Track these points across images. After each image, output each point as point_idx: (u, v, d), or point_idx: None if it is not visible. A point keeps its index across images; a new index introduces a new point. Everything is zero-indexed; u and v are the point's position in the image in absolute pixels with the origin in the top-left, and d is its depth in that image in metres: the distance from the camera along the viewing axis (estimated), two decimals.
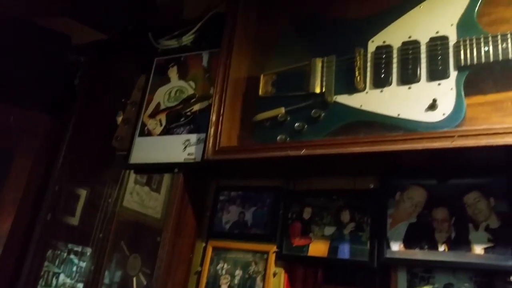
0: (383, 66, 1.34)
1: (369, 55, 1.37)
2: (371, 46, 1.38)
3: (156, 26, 1.93)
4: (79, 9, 1.71)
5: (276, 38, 1.64)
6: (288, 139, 1.43)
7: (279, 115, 1.47)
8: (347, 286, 1.39)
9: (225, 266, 1.56)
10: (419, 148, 1.12)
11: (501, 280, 1.13)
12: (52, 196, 2.12)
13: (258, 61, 1.66)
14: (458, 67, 1.21)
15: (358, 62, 1.37)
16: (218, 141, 1.47)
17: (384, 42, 1.37)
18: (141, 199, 2.16)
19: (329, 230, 1.40)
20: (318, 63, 1.46)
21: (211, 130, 1.49)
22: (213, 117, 1.51)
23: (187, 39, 1.80)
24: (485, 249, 1.15)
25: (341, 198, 1.41)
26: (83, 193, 2.33)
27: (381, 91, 1.32)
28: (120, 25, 1.85)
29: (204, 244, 1.61)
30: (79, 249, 2.15)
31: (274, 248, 1.47)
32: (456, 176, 1.25)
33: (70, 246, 2.17)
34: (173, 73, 1.74)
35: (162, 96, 1.73)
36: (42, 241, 2.08)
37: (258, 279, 1.47)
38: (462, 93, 1.19)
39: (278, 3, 1.70)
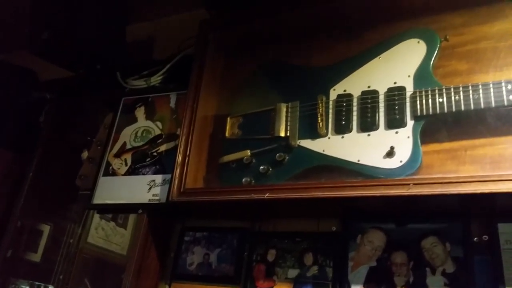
0: (343, 113, 1.36)
1: (330, 103, 1.40)
2: (333, 94, 1.41)
3: (125, 65, 1.92)
4: (44, 47, 1.67)
5: (244, 81, 1.66)
6: (253, 181, 1.42)
7: (245, 158, 1.46)
8: None
9: None
10: (376, 195, 1.13)
11: None
12: (14, 232, 2.02)
13: (226, 103, 1.67)
14: (415, 117, 1.25)
15: (321, 109, 1.40)
16: (183, 182, 1.45)
17: (345, 90, 1.40)
18: (106, 234, 2.08)
19: (293, 273, 1.38)
20: (283, 108, 1.47)
21: (177, 172, 1.46)
22: (179, 158, 1.48)
23: (155, 79, 1.79)
24: None
25: (304, 240, 1.40)
26: (46, 228, 2.24)
27: (342, 137, 1.34)
28: (87, 64, 1.82)
29: (167, 287, 1.55)
30: (41, 286, 2.06)
31: None
32: (414, 221, 1.27)
33: (31, 283, 2.07)
34: (140, 113, 1.72)
35: (128, 136, 1.69)
36: (2, 278, 1.97)
37: None
38: (419, 141, 1.23)
39: (245, 49, 1.72)
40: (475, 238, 1.18)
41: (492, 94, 1.16)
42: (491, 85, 1.16)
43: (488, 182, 1.07)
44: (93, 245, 2.09)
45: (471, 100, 1.18)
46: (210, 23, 1.69)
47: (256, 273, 1.43)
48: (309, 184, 1.27)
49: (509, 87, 1.15)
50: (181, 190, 1.43)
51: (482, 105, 1.16)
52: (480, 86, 1.18)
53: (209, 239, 1.56)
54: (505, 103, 1.14)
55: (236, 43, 1.74)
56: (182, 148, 1.50)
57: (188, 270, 1.54)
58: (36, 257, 2.22)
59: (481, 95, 1.17)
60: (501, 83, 1.16)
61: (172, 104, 1.68)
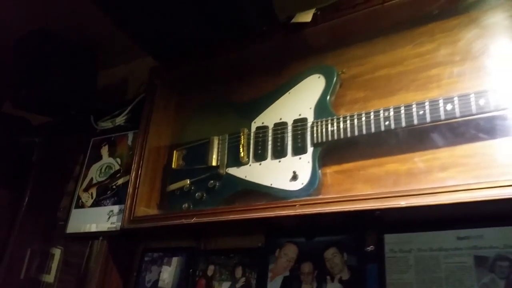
0: (260, 143, 1.53)
1: (251, 134, 1.57)
2: (253, 126, 1.59)
3: (99, 108, 2.15)
4: (23, 102, 1.93)
5: (189, 117, 1.86)
6: (191, 206, 1.61)
7: (185, 186, 1.65)
8: None
9: None
10: (272, 216, 1.29)
11: None
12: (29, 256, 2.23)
13: (176, 137, 1.86)
14: (314, 144, 1.41)
15: (243, 140, 1.57)
16: (133, 211, 1.65)
17: (262, 123, 1.57)
18: None
19: (226, 285, 1.54)
20: (215, 140, 1.65)
21: (128, 202, 1.66)
22: (130, 190, 1.69)
23: (120, 120, 2.01)
24: None
25: (236, 255, 1.56)
26: (57, 252, 2.46)
27: (260, 164, 1.51)
28: (63, 110, 2.06)
29: None
30: None
31: None
32: (320, 234, 1.41)
33: None
34: (104, 151, 1.94)
35: (94, 172, 1.92)
36: None
37: None
38: (317, 165, 1.38)
39: (190, 87, 1.92)
40: (367, 248, 1.31)
41: (372, 121, 1.30)
42: (371, 114, 1.31)
43: (369, 200, 1.20)
44: None
45: (356, 128, 1.32)
46: (158, 70, 1.90)
47: (198, 287, 1.60)
48: (226, 208, 1.44)
49: (386, 114, 1.29)
50: (131, 218, 1.63)
51: (364, 131, 1.31)
52: (363, 115, 1.32)
53: (163, 258, 1.74)
54: (382, 128, 1.28)
55: (183, 83, 1.94)
56: (132, 181, 1.70)
57: (146, 287, 1.73)
58: (50, 278, 2.46)
59: (363, 122, 1.31)
60: (379, 111, 1.30)
61: (129, 142, 1.90)
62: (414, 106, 1.23)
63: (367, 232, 1.34)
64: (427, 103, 1.21)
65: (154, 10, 1.66)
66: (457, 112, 1.17)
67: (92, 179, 1.90)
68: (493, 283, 1.10)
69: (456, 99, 1.17)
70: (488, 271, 1.12)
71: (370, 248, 1.30)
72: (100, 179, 1.88)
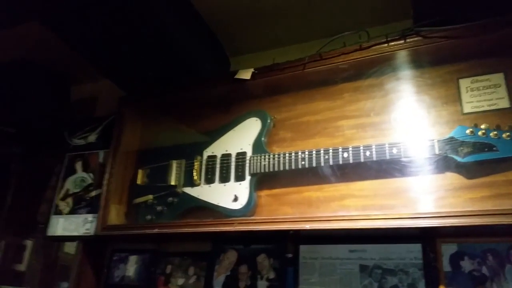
0: (210, 169, 1.89)
1: (203, 161, 1.92)
2: (205, 155, 1.93)
3: (72, 124, 2.42)
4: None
5: (152, 142, 2.17)
6: (154, 218, 1.95)
7: (148, 200, 1.99)
8: None
9: None
10: (216, 231, 1.66)
11: None
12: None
13: (142, 157, 2.17)
14: (251, 174, 1.78)
15: (196, 166, 1.92)
16: (104, 220, 1.97)
17: (212, 152, 1.92)
18: None
19: (181, 281, 1.91)
20: (174, 164, 1.99)
21: (100, 213, 1.98)
22: (102, 203, 2.00)
23: (92, 138, 2.29)
24: None
25: (189, 258, 1.93)
26: (29, 243, 2.71)
27: (210, 186, 1.86)
28: (37, 124, 2.32)
29: None
30: None
31: None
32: (255, 243, 1.80)
33: None
34: (78, 166, 2.23)
35: (70, 184, 2.21)
36: None
37: None
38: (253, 190, 1.75)
39: (157, 115, 2.22)
40: (287, 255, 1.71)
41: (293, 160, 1.68)
42: (293, 154, 1.69)
43: (286, 223, 1.59)
44: (68, 254, 2.59)
45: (281, 164, 1.70)
46: (126, 100, 2.20)
47: (158, 282, 1.96)
48: (181, 222, 1.81)
49: (302, 155, 1.67)
50: (103, 226, 1.96)
51: (288, 167, 1.69)
52: (287, 155, 1.70)
53: (129, 258, 2.08)
54: (300, 166, 1.66)
55: (148, 112, 2.24)
56: (104, 195, 2.01)
57: (115, 282, 2.07)
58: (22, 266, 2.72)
59: (286, 160, 1.69)
60: (298, 153, 1.68)
61: (101, 159, 2.19)
62: (322, 151, 1.62)
63: (288, 243, 1.74)
64: (350, 148, 1.59)
65: (120, 50, 1.94)
66: (374, 156, 1.53)
67: (68, 190, 2.19)
68: (371, 285, 1.53)
69: (373, 147, 1.53)
70: (368, 276, 1.55)
71: (289, 255, 1.70)
72: (75, 190, 2.17)
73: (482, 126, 1.43)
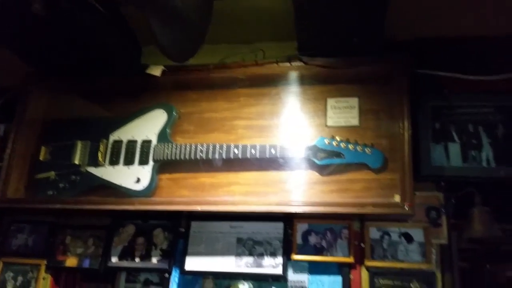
0: (115, 152, 2.06)
1: (109, 144, 2.08)
2: (111, 138, 2.09)
3: None
4: None
5: (57, 121, 2.24)
6: (55, 193, 2.06)
7: (51, 177, 2.09)
8: (91, 283, 2.09)
9: (11, 274, 2.12)
10: (117, 209, 1.88)
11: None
12: None
13: (46, 134, 2.23)
14: (154, 160, 2.01)
15: (101, 148, 2.07)
16: (4, 193, 2.02)
17: (118, 137, 2.09)
18: None
19: (80, 251, 2.08)
20: (79, 144, 2.11)
21: (0, 185, 2.02)
22: (2, 176, 2.04)
23: None
24: (158, 261, 1.98)
25: (89, 230, 2.11)
26: None
27: (114, 168, 2.04)
28: None
29: None
30: None
31: (44, 262, 2.09)
32: (152, 219, 2.06)
33: None
34: None
35: None
36: None
37: (33, 282, 2.08)
38: (155, 175, 1.98)
39: (64, 95, 2.28)
40: (180, 229, 2.01)
41: (192, 151, 1.95)
42: (193, 146, 1.96)
43: (180, 204, 1.89)
44: None
45: (182, 154, 1.96)
46: (33, 76, 2.21)
47: (57, 252, 2.10)
48: (84, 199, 1.98)
49: (200, 148, 1.95)
50: (2, 199, 2.01)
51: (189, 157, 1.96)
52: (187, 146, 1.97)
53: (27, 228, 2.17)
54: (198, 157, 1.95)
55: (58, 89, 2.28)
56: (5, 168, 2.06)
57: (13, 249, 2.15)
58: None
59: (187, 151, 1.96)
60: (197, 145, 1.96)
61: (1, 133, 2.20)
62: (217, 146, 1.93)
63: (182, 219, 2.03)
64: (240, 146, 1.90)
65: (37, 29, 1.95)
66: (257, 154, 1.88)
67: None
68: (243, 252, 1.91)
69: (257, 146, 1.88)
70: (242, 246, 1.93)
71: (182, 229, 2.00)
72: None
73: (337, 138, 1.88)
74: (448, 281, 1.75)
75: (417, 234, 1.80)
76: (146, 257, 2.00)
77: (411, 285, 1.76)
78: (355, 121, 1.96)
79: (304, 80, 2.05)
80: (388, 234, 1.83)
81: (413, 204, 1.69)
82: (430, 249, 1.76)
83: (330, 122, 1.98)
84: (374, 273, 1.81)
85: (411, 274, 1.77)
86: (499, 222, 1.79)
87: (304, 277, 1.88)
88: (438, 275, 1.77)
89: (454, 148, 1.79)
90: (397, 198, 1.72)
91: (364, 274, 1.83)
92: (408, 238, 1.80)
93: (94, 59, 2.09)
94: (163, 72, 2.05)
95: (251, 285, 1.90)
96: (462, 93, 1.84)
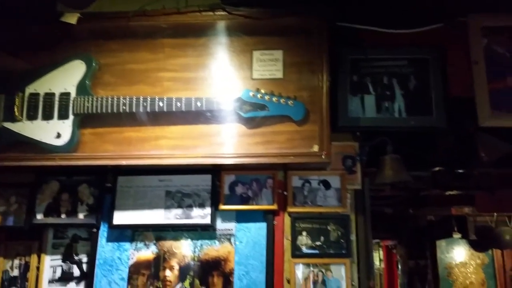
0: (33, 106, 1.95)
1: (25, 98, 1.96)
2: (27, 91, 1.97)
3: None
4: None
5: None
6: None
7: None
8: (17, 241, 2.04)
9: None
10: (38, 165, 1.82)
11: None
12: None
13: None
14: (74, 114, 1.92)
15: (17, 102, 1.95)
16: None
17: (35, 90, 1.97)
18: None
19: (2, 208, 2.02)
20: None
21: None
22: None
23: None
24: (84, 216, 1.96)
25: (10, 188, 2.03)
26: None
27: (32, 123, 1.94)
28: None
29: None
30: None
31: None
32: (77, 175, 2.01)
33: None
34: None
35: None
36: None
37: None
38: (76, 129, 1.91)
39: None
40: (107, 184, 1.99)
41: (115, 104, 1.89)
42: (115, 99, 1.90)
43: (104, 159, 1.85)
44: None
45: (104, 107, 1.89)
46: None
47: None
48: (2, 155, 1.87)
49: (124, 101, 1.89)
50: None
51: (111, 110, 1.90)
52: (109, 99, 1.90)
53: None
54: (121, 110, 1.89)
55: None
56: None
57: None
58: None
59: (109, 103, 1.89)
60: (119, 98, 1.90)
61: None
62: (141, 99, 1.88)
63: (108, 174, 2.01)
64: (165, 99, 1.87)
65: None
66: (183, 107, 1.86)
67: None
68: (172, 205, 1.94)
69: (183, 99, 1.85)
70: (171, 198, 1.96)
71: (109, 185, 1.98)
72: None
73: (262, 91, 1.89)
74: (361, 223, 1.91)
75: (334, 181, 1.92)
76: (72, 213, 1.97)
77: (328, 227, 1.89)
78: (279, 74, 1.97)
79: (230, 31, 2.00)
80: (309, 182, 1.93)
81: (330, 153, 1.78)
82: (345, 194, 1.89)
83: (255, 75, 1.98)
84: (295, 218, 1.92)
85: (329, 217, 1.90)
86: (409, 169, 1.95)
87: (231, 225, 1.96)
88: (352, 217, 1.92)
89: (370, 100, 1.88)
90: (315, 148, 1.80)
91: (287, 220, 1.94)
92: (326, 185, 1.92)
93: (4, 6, 1.90)
94: (79, 20, 1.92)
95: None
96: (379, 47, 1.90)
